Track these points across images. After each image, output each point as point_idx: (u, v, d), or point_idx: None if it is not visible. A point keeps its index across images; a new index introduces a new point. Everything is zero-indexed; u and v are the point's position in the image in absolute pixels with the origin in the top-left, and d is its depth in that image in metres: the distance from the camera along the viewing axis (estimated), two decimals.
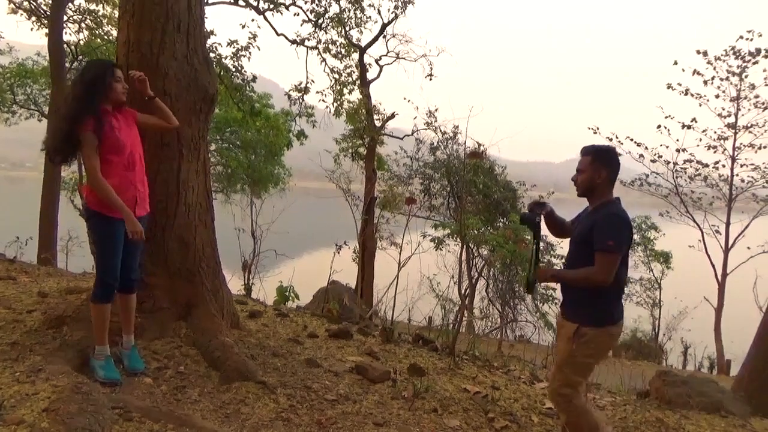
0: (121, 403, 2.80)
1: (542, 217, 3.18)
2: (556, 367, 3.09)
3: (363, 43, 17.41)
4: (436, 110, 16.09)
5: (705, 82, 15.88)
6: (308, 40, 16.06)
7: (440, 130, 16.23)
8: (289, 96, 16.84)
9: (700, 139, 16.06)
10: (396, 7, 16.62)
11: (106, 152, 3.14)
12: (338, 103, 17.20)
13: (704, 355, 15.77)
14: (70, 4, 13.08)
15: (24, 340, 3.42)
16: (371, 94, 17.69)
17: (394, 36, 17.73)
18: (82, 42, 14.80)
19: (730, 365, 14.83)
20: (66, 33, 13.21)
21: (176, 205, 3.87)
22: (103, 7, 14.27)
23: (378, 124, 17.56)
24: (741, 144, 16.05)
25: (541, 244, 3.23)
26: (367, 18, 16.43)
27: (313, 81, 16.61)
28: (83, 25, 14.53)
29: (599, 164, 2.98)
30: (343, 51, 16.79)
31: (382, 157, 18.15)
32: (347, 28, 16.41)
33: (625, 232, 2.87)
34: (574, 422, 3.03)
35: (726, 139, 16.11)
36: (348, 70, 17.25)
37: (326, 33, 16.17)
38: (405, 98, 16.23)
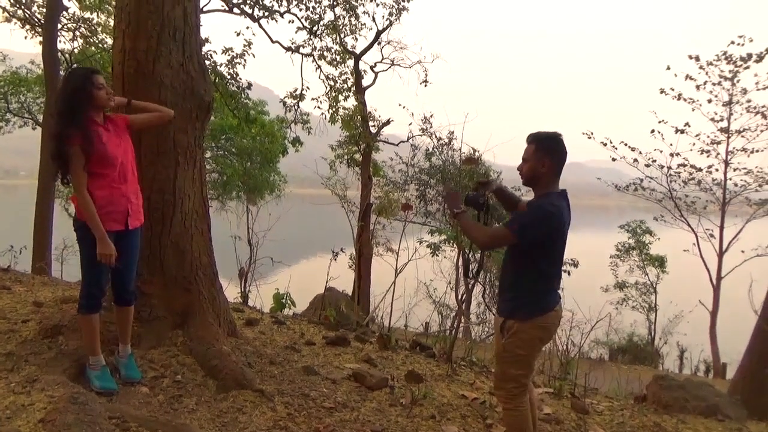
0: (118, 413, 2.79)
1: (487, 197, 3.09)
2: (495, 361, 3.08)
3: (358, 50, 17.49)
4: (431, 116, 16.14)
5: (697, 87, 15.99)
6: (303, 47, 16.13)
7: (435, 136, 16.27)
8: (285, 103, 16.88)
9: (694, 144, 16.17)
10: (390, 14, 16.70)
11: (95, 166, 3.07)
12: (333, 109, 17.24)
13: (700, 359, 15.81)
14: (64, 12, 13.07)
15: (19, 350, 3.39)
16: (366, 100, 17.75)
17: (388, 43, 17.85)
18: (76, 50, 14.78)
19: (726, 368, 14.85)
20: (60, 41, 13.20)
21: (172, 213, 3.87)
22: (98, 15, 14.27)
23: (373, 130, 17.60)
24: (734, 148, 16.16)
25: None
26: (361, 25, 16.53)
27: (308, 88, 16.67)
28: (78, 33, 14.51)
29: (543, 153, 2.83)
30: (338, 58, 16.86)
31: (378, 163, 18.18)
32: (342, 36, 16.49)
33: (538, 226, 2.76)
34: (509, 423, 2.99)
35: (719, 143, 16.22)
36: (343, 77, 17.34)
37: (321, 40, 16.26)
38: (400, 104, 16.29)
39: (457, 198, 3.07)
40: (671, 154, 15.92)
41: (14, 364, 3.22)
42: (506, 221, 2.90)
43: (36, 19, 13.82)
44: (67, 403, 2.61)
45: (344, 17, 16.10)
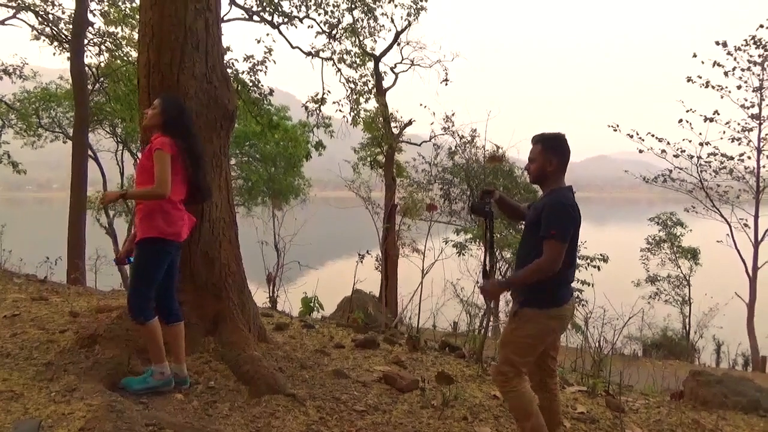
0: (154, 419, 2.84)
1: (491, 204, 3.16)
2: (500, 345, 3.08)
3: (377, 52, 17.54)
4: (452, 115, 16.10)
5: (726, 74, 15.58)
6: (323, 51, 16.23)
7: (458, 135, 16.22)
8: (306, 108, 16.99)
9: (724, 132, 15.75)
10: (409, 15, 16.71)
11: None
12: (355, 112, 17.30)
13: (738, 352, 15.42)
14: (90, 28, 13.37)
15: (58, 360, 3.48)
16: (388, 101, 17.77)
17: (408, 43, 17.88)
18: (102, 64, 15.13)
19: (766, 362, 14.48)
20: (87, 56, 13.51)
21: (200, 221, 3.91)
22: (122, 29, 14.56)
23: (395, 131, 17.61)
24: (766, 135, 15.72)
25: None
26: (380, 27, 16.55)
27: (329, 92, 16.75)
28: (103, 47, 14.81)
29: (549, 152, 2.97)
30: (357, 61, 16.92)
31: (401, 164, 18.19)
32: (361, 38, 16.53)
33: (567, 220, 2.85)
34: (512, 405, 3.00)
35: (750, 130, 15.80)
36: (363, 80, 17.39)
37: (340, 44, 16.34)
38: (421, 104, 16.27)
39: (495, 288, 3.09)
40: (701, 144, 15.55)
41: (54, 374, 3.30)
42: (543, 232, 2.85)
43: (63, 36, 14.15)
44: (106, 412, 2.67)
45: (363, 20, 16.15)
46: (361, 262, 8.52)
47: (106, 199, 3.39)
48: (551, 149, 2.98)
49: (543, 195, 3.06)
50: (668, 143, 15.84)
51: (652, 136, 15.84)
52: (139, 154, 3.46)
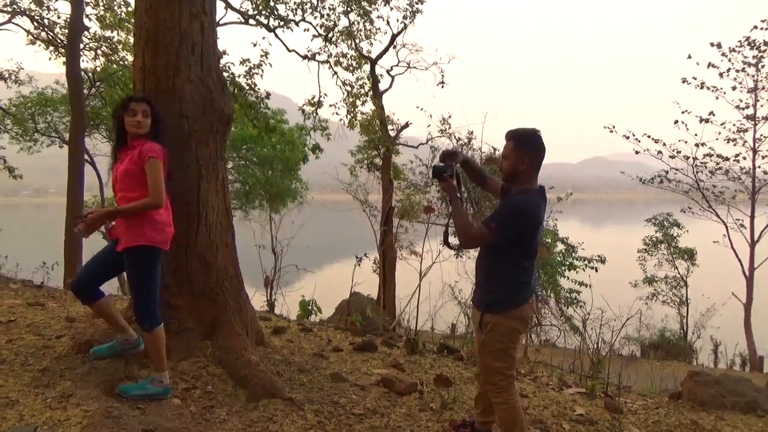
0: (152, 425, 2.82)
1: (454, 168, 3.07)
2: (478, 356, 3.10)
3: (374, 55, 17.54)
4: (449, 117, 16.09)
5: (721, 75, 15.63)
6: (319, 54, 16.21)
7: (454, 137, 16.20)
8: (303, 111, 16.98)
9: (719, 133, 15.78)
10: (405, 17, 16.72)
11: None
12: (352, 115, 17.29)
13: (735, 353, 15.44)
14: (85, 32, 13.35)
15: (54, 365, 3.46)
16: (384, 104, 17.77)
17: (404, 46, 17.87)
18: (98, 69, 15.10)
19: (763, 362, 14.50)
20: (83, 60, 13.48)
21: (197, 225, 3.91)
22: (118, 33, 14.55)
23: (392, 134, 17.61)
24: (762, 135, 15.75)
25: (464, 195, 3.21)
26: (376, 30, 16.55)
27: (325, 95, 16.74)
28: (99, 52, 14.81)
29: (521, 150, 2.88)
30: (354, 63, 16.90)
31: (398, 166, 18.18)
32: (357, 41, 16.53)
33: (515, 223, 2.80)
34: (502, 418, 2.98)
35: (746, 131, 15.83)
36: (360, 82, 17.35)
37: (336, 47, 16.32)
38: (418, 107, 16.26)
39: (453, 187, 3.03)
40: (696, 144, 15.59)
41: (50, 380, 3.28)
42: (485, 219, 2.92)
43: (59, 41, 14.13)
44: (102, 417, 2.66)
45: (359, 23, 16.15)
46: (359, 265, 8.52)
47: (91, 222, 3.16)
48: (524, 147, 2.88)
49: (512, 192, 2.98)
50: (664, 144, 15.89)
51: (648, 137, 15.89)
52: None
